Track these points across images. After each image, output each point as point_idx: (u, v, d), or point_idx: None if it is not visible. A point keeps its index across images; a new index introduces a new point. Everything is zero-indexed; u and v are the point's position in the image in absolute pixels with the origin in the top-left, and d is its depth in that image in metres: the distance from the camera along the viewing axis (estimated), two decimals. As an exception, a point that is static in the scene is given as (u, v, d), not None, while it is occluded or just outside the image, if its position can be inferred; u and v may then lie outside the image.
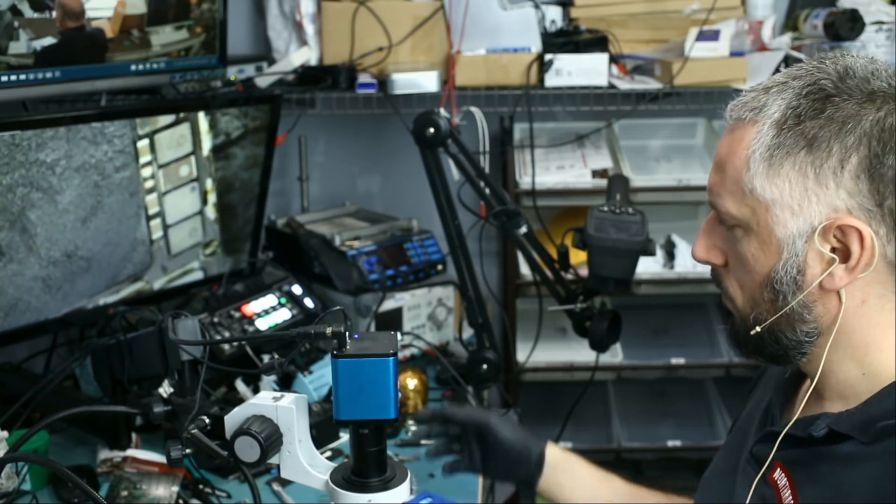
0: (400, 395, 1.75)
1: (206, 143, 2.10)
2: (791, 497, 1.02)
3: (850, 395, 1.02)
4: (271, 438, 1.07)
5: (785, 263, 1.00)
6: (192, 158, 2.09)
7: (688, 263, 2.48)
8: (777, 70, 2.32)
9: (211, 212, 2.18)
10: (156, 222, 2.06)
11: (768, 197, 0.99)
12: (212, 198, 2.17)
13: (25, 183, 1.78)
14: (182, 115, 2.02)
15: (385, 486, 1.06)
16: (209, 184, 2.15)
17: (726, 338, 1.13)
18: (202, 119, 2.07)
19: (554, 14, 2.48)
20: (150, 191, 2.02)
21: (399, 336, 2.12)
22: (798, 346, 1.04)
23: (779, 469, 1.05)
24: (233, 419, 1.09)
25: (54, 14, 1.79)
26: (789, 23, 2.49)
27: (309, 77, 2.39)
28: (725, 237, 1.06)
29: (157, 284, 2.12)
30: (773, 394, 1.16)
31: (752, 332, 1.04)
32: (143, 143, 1.96)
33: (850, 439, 0.99)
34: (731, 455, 1.18)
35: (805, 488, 1.02)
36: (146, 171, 2.00)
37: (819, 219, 0.97)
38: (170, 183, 2.06)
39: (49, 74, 1.83)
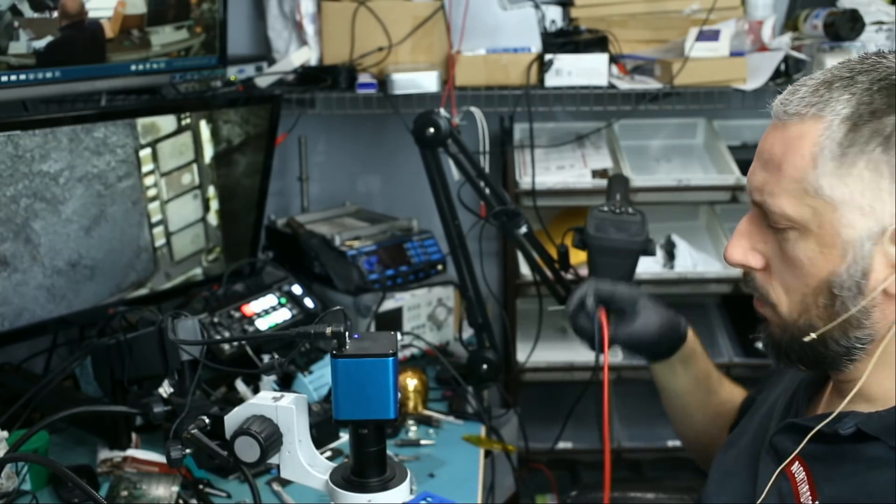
0: (400, 395, 1.75)
1: (208, 151, 2.10)
2: (809, 493, 1.00)
3: (877, 399, 0.99)
4: (271, 438, 1.07)
5: (849, 267, 0.95)
6: (195, 166, 2.09)
7: (688, 263, 2.47)
8: (777, 70, 2.32)
9: (213, 218, 2.18)
10: (159, 230, 2.06)
11: (837, 197, 0.94)
12: (214, 205, 2.17)
13: (29, 193, 1.78)
14: (184, 123, 2.02)
15: (385, 486, 1.06)
16: (211, 191, 2.15)
17: (764, 346, 1.07)
18: (204, 127, 2.07)
19: (554, 14, 2.48)
20: (153, 199, 2.02)
21: (399, 336, 2.12)
22: (848, 353, 1.00)
23: (797, 463, 1.03)
24: (233, 419, 1.09)
25: (55, 14, 1.79)
26: (789, 23, 2.49)
27: (309, 77, 2.38)
28: (769, 239, 1.02)
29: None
30: (798, 387, 1.13)
31: (807, 339, 1.00)
32: (145, 153, 1.97)
33: (877, 441, 0.96)
34: (754, 446, 1.15)
35: (824, 485, 0.99)
36: (149, 180, 2.00)
37: (891, 219, 0.93)
38: (172, 191, 2.06)
39: (49, 74, 1.83)
